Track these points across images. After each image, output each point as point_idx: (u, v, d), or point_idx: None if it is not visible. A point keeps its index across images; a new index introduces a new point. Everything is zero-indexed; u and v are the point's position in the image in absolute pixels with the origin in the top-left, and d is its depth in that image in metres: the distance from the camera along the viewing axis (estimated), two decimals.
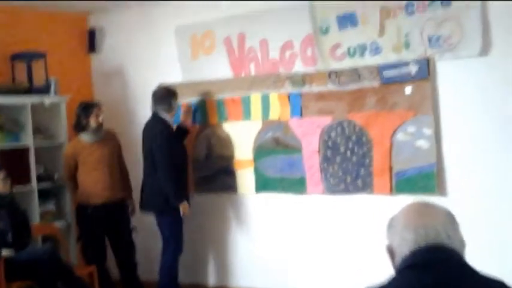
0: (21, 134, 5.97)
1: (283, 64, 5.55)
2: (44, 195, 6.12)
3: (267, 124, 5.64)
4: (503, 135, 4.61)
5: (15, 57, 6.14)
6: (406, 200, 4.78)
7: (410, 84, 4.88)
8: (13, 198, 5.47)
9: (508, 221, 4.59)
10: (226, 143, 5.89)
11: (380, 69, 5.00)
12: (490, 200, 4.66)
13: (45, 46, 6.30)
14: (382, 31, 5.03)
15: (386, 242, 1.85)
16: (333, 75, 5.24)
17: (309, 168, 5.43)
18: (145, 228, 5.99)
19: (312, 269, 5.54)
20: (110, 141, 5.90)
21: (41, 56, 6.21)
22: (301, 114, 5.45)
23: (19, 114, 5.97)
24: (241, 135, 5.78)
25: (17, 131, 5.97)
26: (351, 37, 5.17)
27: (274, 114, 5.60)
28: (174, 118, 5.80)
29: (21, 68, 6.15)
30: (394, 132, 4.98)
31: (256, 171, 5.74)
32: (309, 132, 5.41)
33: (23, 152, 5.94)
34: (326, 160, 5.34)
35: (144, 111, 5.95)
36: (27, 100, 5.95)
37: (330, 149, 5.32)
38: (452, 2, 4.68)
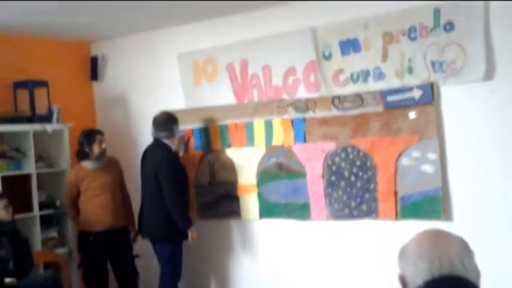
0: (24, 161, 5.96)
1: (286, 90, 5.55)
2: (46, 222, 6.11)
3: (271, 149, 5.63)
4: (508, 159, 4.58)
5: (18, 85, 6.16)
6: (411, 225, 4.84)
7: (414, 109, 4.86)
8: (15, 225, 5.43)
9: None
10: (229, 168, 5.87)
11: (383, 94, 5.00)
12: (496, 225, 4.62)
13: (47, 74, 6.31)
14: (385, 56, 5.03)
15: (398, 272, 1.80)
16: (336, 100, 5.24)
17: (313, 193, 5.40)
18: (147, 254, 5.93)
19: None
20: (112, 168, 5.90)
21: (44, 84, 6.22)
22: (304, 140, 5.44)
23: (21, 141, 5.97)
24: (245, 161, 5.77)
25: (20, 158, 5.96)
26: (354, 63, 5.17)
27: (277, 139, 5.59)
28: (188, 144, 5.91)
29: (23, 96, 6.15)
30: (399, 157, 4.96)
31: (260, 196, 5.71)
32: (312, 158, 5.39)
33: (26, 179, 5.93)
34: (330, 185, 5.32)
35: (146, 138, 5.94)
36: (30, 128, 5.95)
37: (334, 174, 5.30)
38: (455, 26, 4.68)
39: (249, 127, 5.73)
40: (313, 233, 5.48)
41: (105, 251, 5.75)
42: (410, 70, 4.91)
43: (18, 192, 5.83)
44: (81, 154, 5.77)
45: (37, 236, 5.92)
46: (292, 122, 5.50)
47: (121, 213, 5.87)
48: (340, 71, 5.25)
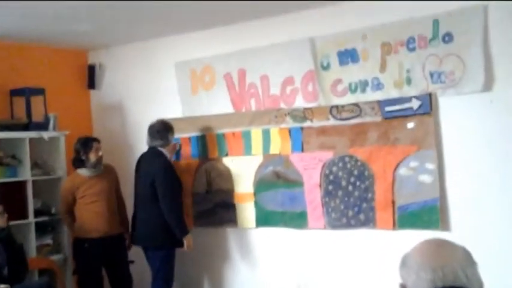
0: (19, 168, 5.94)
1: (284, 99, 5.55)
2: (41, 228, 6.08)
3: (268, 158, 5.63)
4: (506, 170, 4.58)
5: (14, 93, 6.14)
6: (409, 235, 4.83)
7: (413, 120, 4.87)
8: (9, 232, 5.41)
9: None
10: (226, 177, 5.87)
11: (382, 104, 5.01)
12: (494, 235, 4.61)
13: (44, 82, 6.30)
14: (383, 67, 5.04)
15: (400, 281, 1.78)
16: (334, 110, 5.25)
17: (310, 202, 5.39)
18: (141, 260, 5.89)
19: None
20: (108, 175, 5.90)
21: (40, 91, 6.20)
22: (302, 149, 5.44)
23: (17, 148, 5.96)
24: (242, 169, 5.77)
25: (15, 165, 5.94)
26: (352, 73, 5.18)
27: (274, 148, 5.59)
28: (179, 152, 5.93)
29: (20, 104, 6.13)
30: (397, 167, 4.96)
31: (257, 205, 5.70)
32: (310, 167, 5.39)
33: (21, 186, 5.91)
34: (328, 194, 5.31)
35: (143, 146, 5.92)
36: (26, 135, 5.94)
37: (331, 184, 5.29)
38: (454, 38, 4.70)
39: (247, 136, 5.73)
40: (310, 242, 5.46)
41: (100, 258, 5.73)
42: (408, 81, 4.92)
43: (13, 199, 5.81)
44: (78, 162, 5.76)
45: (32, 243, 5.89)
46: (289, 131, 5.49)
47: (116, 221, 5.86)
48: (339, 81, 5.26)
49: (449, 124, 4.79)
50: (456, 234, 4.64)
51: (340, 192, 5.25)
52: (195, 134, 6.02)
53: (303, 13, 5.39)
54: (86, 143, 5.74)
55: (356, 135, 5.15)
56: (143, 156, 5.78)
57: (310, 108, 5.38)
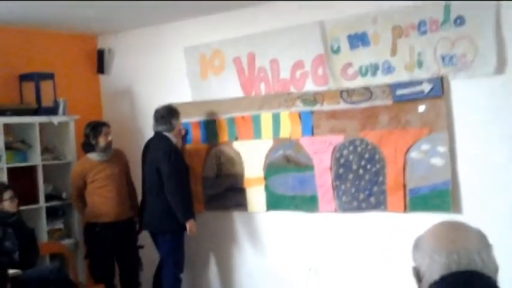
0: (30, 153, 5.96)
1: (294, 83, 5.53)
2: (52, 213, 6.11)
3: (278, 142, 5.62)
4: None
5: (24, 78, 6.15)
6: (420, 217, 4.80)
7: (424, 103, 4.85)
8: (20, 217, 5.42)
9: None
10: (236, 161, 5.86)
11: (392, 87, 4.98)
12: (506, 218, 4.60)
13: (54, 67, 6.30)
14: (394, 50, 5.01)
15: (413, 264, 1.75)
16: (345, 93, 5.22)
17: (320, 186, 5.39)
18: (150, 245, 5.92)
19: None
20: (118, 160, 5.93)
21: (50, 76, 6.20)
22: (312, 133, 5.42)
23: (27, 133, 5.97)
24: (252, 154, 5.76)
25: (25, 150, 5.95)
26: (363, 56, 5.14)
27: (284, 132, 5.57)
28: (187, 137, 5.92)
29: (29, 89, 6.14)
30: (408, 150, 4.94)
31: (267, 189, 5.70)
32: (320, 150, 5.37)
33: (32, 171, 5.93)
34: (338, 178, 5.30)
35: (152, 131, 5.92)
36: (36, 120, 5.95)
37: (342, 167, 5.28)
38: (466, 21, 4.66)
39: (256, 120, 5.71)
40: (321, 225, 5.46)
41: (111, 242, 5.76)
42: (420, 64, 4.89)
43: (24, 184, 5.82)
44: (87, 146, 5.79)
45: (43, 228, 5.92)
46: (299, 115, 5.48)
47: (127, 205, 5.88)
48: (349, 65, 5.23)
49: (460, 107, 4.76)
50: (468, 216, 4.62)
51: (351, 176, 5.24)
52: (204, 118, 6.01)
53: None
54: (96, 127, 5.76)
55: (367, 118, 5.13)
56: (149, 142, 5.80)
57: (320, 92, 5.36)
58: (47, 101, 6.14)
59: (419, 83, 4.86)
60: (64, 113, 6.15)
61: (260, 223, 5.83)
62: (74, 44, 6.70)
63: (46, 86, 6.19)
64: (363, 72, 5.16)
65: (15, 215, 5.34)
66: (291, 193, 5.56)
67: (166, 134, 5.63)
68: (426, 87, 4.84)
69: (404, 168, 4.96)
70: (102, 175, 5.74)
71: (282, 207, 5.64)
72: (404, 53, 4.95)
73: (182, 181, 5.58)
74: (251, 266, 5.93)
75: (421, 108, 4.86)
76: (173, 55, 6.27)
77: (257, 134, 5.74)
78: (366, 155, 5.16)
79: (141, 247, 6.00)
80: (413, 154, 4.93)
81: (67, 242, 6.12)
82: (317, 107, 5.37)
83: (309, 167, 5.44)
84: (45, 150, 6.10)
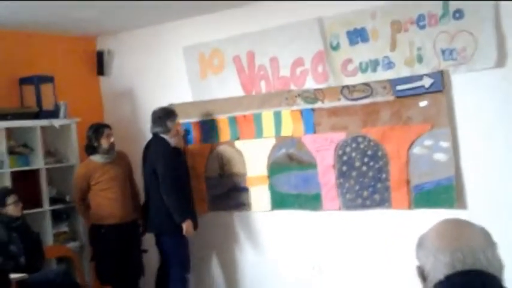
0: (32, 156, 5.96)
1: (294, 81, 5.52)
2: (57, 216, 6.11)
3: (280, 140, 5.61)
4: None
5: (24, 81, 6.13)
6: (425, 214, 4.77)
7: (425, 98, 4.84)
8: (25, 221, 5.46)
9: None
10: (238, 160, 5.86)
11: (393, 83, 4.98)
12: (511, 213, 4.59)
13: (53, 69, 6.28)
14: (393, 45, 5.01)
15: (417, 263, 1.72)
16: (345, 90, 5.22)
17: (324, 184, 5.39)
18: (154, 250, 5.94)
19: (330, 286, 5.47)
20: (121, 161, 5.94)
21: (50, 79, 6.19)
22: (314, 131, 5.42)
23: (29, 137, 5.97)
24: (255, 153, 5.75)
25: (27, 153, 5.95)
26: (362, 52, 5.14)
27: (286, 130, 5.57)
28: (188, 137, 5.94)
29: (29, 92, 6.12)
30: (411, 146, 4.94)
31: (271, 188, 5.70)
32: (323, 148, 5.37)
33: (35, 175, 5.93)
34: (342, 175, 5.30)
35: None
36: (37, 123, 5.94)
37: (345, 164, 5.28)
38: (465, 14, 4.65)
39: (258, 119, 5.71)
40: (325, 223, 5.46)
41: (117, 243, 5.76)
42: (420, 59, 4.89)
43: (28, 187, 5.84)
44: (90, 148, 5.80)
45: (48, 231, 5.92)
46: (301, 112, 5.47)
47: (131, 207, 5.89)
48: (349, 61, 5.22)
49: (462, 101, 4.76)
50: (472, 212, 4.63)
51: (354, 173, 5.24)
52: (205, 118, 6.00)
53: None
54: (97, 129, 5.78)
55: (368, 115, 5.12)
56: (148, 144, 5.82)
57: (320, 89, 5.35)
58: (47, 104, 6.13)
59: (420, 78, 4.86)
60: (65, 116, 6.15)
61: (264, 222, 5.83)
62: (73, 46, 6.67)
63: (46, 89, 6.18)
64: (363, 68, 5.16)
65: (20, 219, 5.38)
66: (295, 191, 5.56)
67: (163, 135, 5.65)
68: (427, 82, 4.83)
69: (407, 165, 4.96)
70: (106, 177, 5.75)
71: (287, 206, 5.64)
72: (404, 48, 4.95)
73: (178, 182, 5.57)
74: (255, 266, 5.93)
75: (423, 103, 4.86)
76: (173, 55, 6.26)
77: (259, 133, 5.73)
78: (369, 152, 5.16)
79: (145, 251, 6.01)
80: (416, 150, 4.93)
81: (72, 245, 6.12)
82: (318, 105, 5.37)
83: (312, 165, 5.44)
84: (47, 153, 6.10)
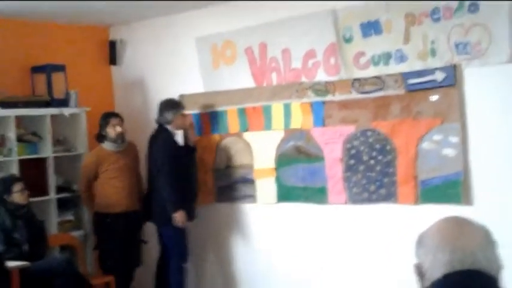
0: (41, 145, 5.96)
1: (306, 73, 5.45)
2: (63, 205, 6.11)
3: (289, 133, 5.55)
4: None
5: (36, 70, 6.16)
6: (431, 209, 4.69)
7: (437, 92, 4.75)
8: (30, 209, 5.48)
9: None
10: (247, 152, 5.81)
11: (405, 76, 4.88)
12: None
13: (65, 58, 6.29)
14: (407, 38, 4.91)
15: (415, 261, 1.70)
16: (357, 83, 5.13)
17: (331, 177, 5.32)
18: (155, 241, 5.97)
19: (334, 280, 5.41)
20: (131, 152, 5.99)
21: (61, 68, 6.19)
22: (323, 123, 5.35)
23: (39, 125, 5.99)
24: (263, 145, 5.70)
25: (36, 142, 5.95)
26: (375, 45, 5.05)
27: (296, 123, 5.51)
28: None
29: (41, 81, 6.14)
30: (420, 140, 4.85)
31: (278, 180, 5.64)
32: (331, 141, 5.30)
33: (43, 163, 5.93)
34: (349, 169, 5.22)
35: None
36: (47, 112, 5.95)
37: (353, 158, 5.20)
38: (480, 7, 4.55)
39: (267, 111, 5.66)
40: (331, 217, 5.39)
41: (121, 233, 5.78)
42: (433, 52, 4.79)
43: (35, 175, 5.85)
44: (100, 136, 5.86)
45: (53, 219, 5.94)
46: (311, 105, 5.40)
47: (136, 197, 5.91)
48: (361, 54, 5.14)
49: (474, 96, 4.65)
50: (479, 208, 4.54)
51: (361, 167, 5.16)
52: (216, 109, 5.96)
53: None
54: (104, 118, 5.84)
55: (378, 108, 5.04)
56: (152, 134, 5.84)
57: (332, 82, 5.28)
58: (58, 93, 6.14)
59: (433, 71, 4.76)
60: (75, 105, 6.15)
61: (269, 215, 5.78)
62: (85, 35, 6.67)
63: (58, 78, 6.18)
64: (375, 61, 5.07)
65: (25, 207, 5.39)
66: (302, 184, 5.50)
67: (166, 126, 5.67)
68: (439, 76, 4.73)
69: (415, 159, 4.88)
70: (115, 166, 5.80)
71: (293, 198, 5.58)
72: (418, 41, 4.86)
73: (174, 173, 5.54)
74: (259, 257, 5.88)
75: (434, 97, 4.77)
76: (185, 46, 6.22)
77: (268, 125, 5.68)
78: (377, 146, 5.07)
79: (145, 242, 6.04)
80: (425, 145, 4.84)
81: (77, 233, 6.13)
82: (329, 97, 5.29)
83: (320, 158, 5.37)
84: (56, 142, 6.10)
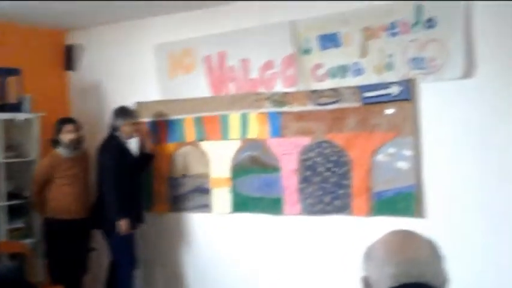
0: None
1: (264, 84, 5.45)
2: (13, 212, 5.96)
3: (246, 143, 5.53)
4: (484, 158, 4.51)
5: None
6: (384, 221, 4.74)
7: (392, 106, 4.79)
8: None
9: (486, 244, 4.48)
10: (203, 161, 5.77)
11: (361, 89, 4.91)
12: (469, 224, 4.55)
13: (21, 62, 6.14)
14: (364, 52, 4.94)
15: (363, 273, 1.71)
16: (314, 95, 5.15)
17: (286, 188, 5.31)
18: (102, 249, 5.90)
19: None
20: (84, 160, 5.93)
21: (16, 72, 6.05)
22: (280, 134, 5.34)
23: None
24: (219, 154, 5.67)
25: None
26: (333, 57, 5.08)
27: (252, 133, 5.50)
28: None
29: None
30: (375, 153, 4.88)
31: (233, 190, 5.61)
32: (287, 152, 5.30)
33: None
34: (304, 180, 5.22)
35: None
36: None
37: (308, 169, 5.21)
38: (437, 23, 4.60)
39: (224, 120, 5.64)
40: (285, 228, 5.39)
41: (70, 240, 5.71)
42: (389, 66, 4.83)
43: None
44: (54, 142, 5.79)
45: (3, 226, 5.80)
46: (268, 115, 5.40)
47: (85, 205, 5.85)
48: (319, 66, 5.16)
49: (428, 111, 4.71)
50: (431, 222, 4.60)
51: (317, 178, 5.17)
52: (171, 117, 5.92)
53: None
54: (59, 124, 5.77)
55: (334, 120, 5.06)
56: (103, 141, 5.80)
57: (289, 93, 5.28)
58: (12, 98, 6.00)
59: (389, 85, 4.81)
60: (29, 110, 6.02)
61: (224, 225, 5.74)
62: (42, 39, 6.56)
63: (13, 82, 6.04)
64: (332, 73, 5.09)
65: None
66: (257, 194, 5.49)
67: (116, 133, 5.64)
68: (395, 90, 4.78)
69: (370, 172, 4.91)
70: (69, 173, 5.73)
71: (248, 209, 5.56)
72: (375, 55, 4.90)
73: (119, 180, 5.49)
74: (210, 267, 5.85)
75: (389, 111, 4.81)
76: (144, 52, 6.18)
77: (225, 135, 5.66)
78: (333, 158, 5.09)
79: (94, 249, 5.99)
80: (380, 157, 4.88)
81: (28, 241, 5.98)
82: (286, 108, 5.30)
83: (276, 168, 5.37)
84: (8, 147, 5.96)
